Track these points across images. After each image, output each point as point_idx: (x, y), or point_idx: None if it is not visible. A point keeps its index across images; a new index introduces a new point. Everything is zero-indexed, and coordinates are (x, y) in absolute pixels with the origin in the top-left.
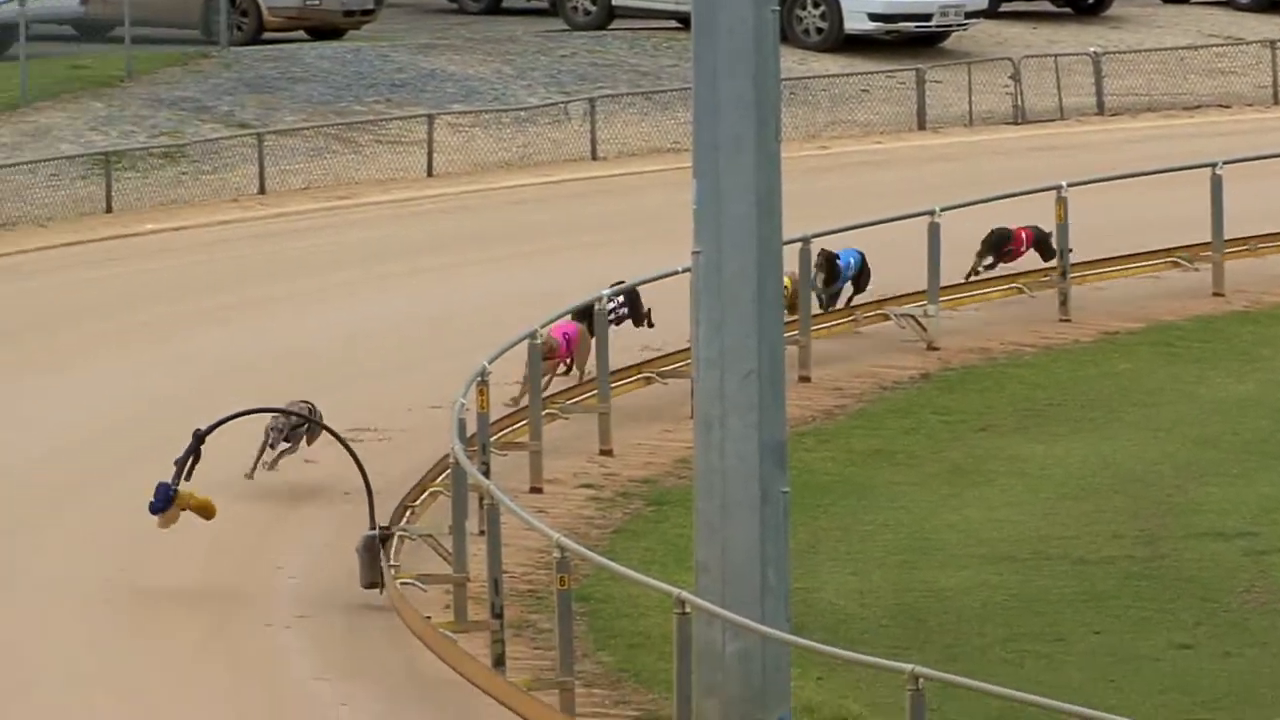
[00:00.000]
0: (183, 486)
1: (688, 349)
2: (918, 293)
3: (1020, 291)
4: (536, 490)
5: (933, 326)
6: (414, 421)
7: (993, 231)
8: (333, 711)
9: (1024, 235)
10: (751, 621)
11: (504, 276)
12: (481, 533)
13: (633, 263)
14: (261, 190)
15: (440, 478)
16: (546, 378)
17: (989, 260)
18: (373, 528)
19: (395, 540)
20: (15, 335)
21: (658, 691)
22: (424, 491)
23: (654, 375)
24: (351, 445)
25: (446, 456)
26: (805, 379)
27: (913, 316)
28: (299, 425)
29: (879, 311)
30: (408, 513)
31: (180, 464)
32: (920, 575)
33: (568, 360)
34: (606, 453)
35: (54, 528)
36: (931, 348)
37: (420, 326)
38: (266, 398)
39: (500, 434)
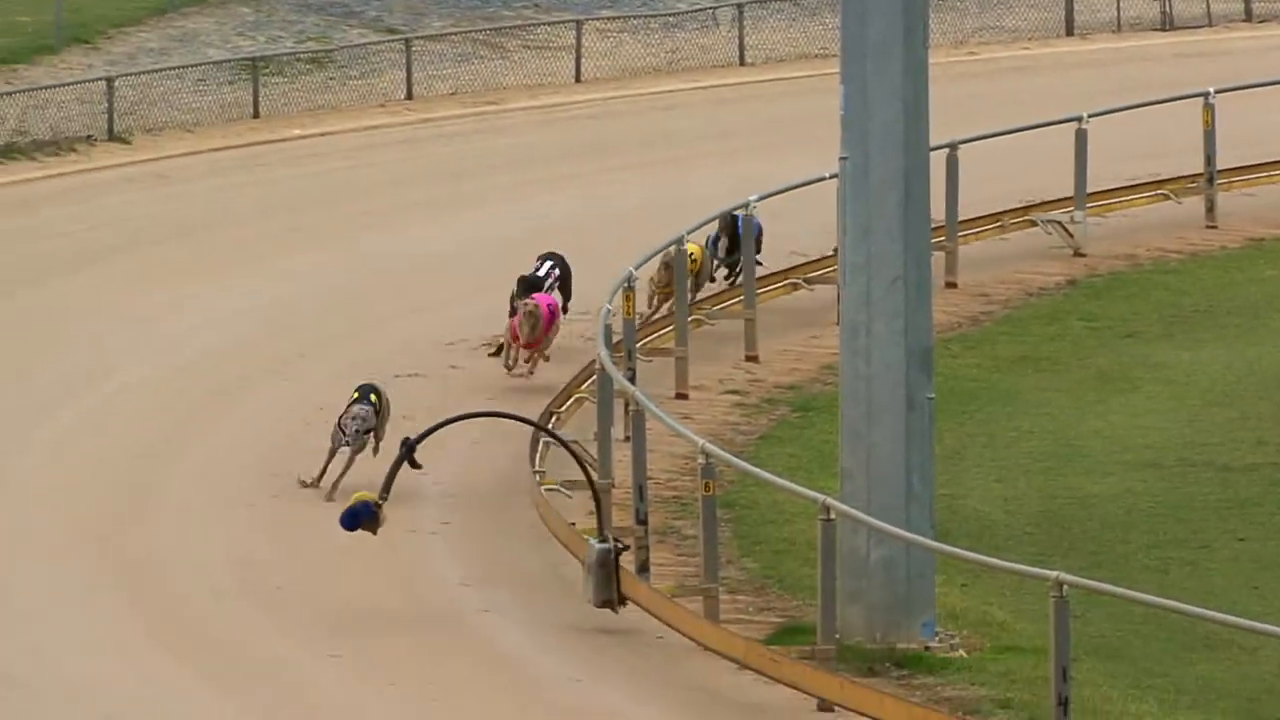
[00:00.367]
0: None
1: (834, 255)
2: (1064, 199)
3: (1167, 198)
4: (682, 396)
5: (1079, 233)
6: (561, 327)
7: None
8: (476, 617)
9: None
10: (896, 528)
11: (651, 182)
12: (626, 439)
13: (779, 168)
14: (409, 96)
15: (586, 384)
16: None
17: None
18: (603, 539)
19: (542, 446)
20: (161, 241)
21: (801, 598)
22: (570, 397)
23: (800, 281)
24: (571, 442)
25: (592, 362)
26: (951, 285)
27: (1059, 222)
28: (369, 430)
29: (1026, 218)
30: (553, 418)
31: (390, 475)
32: (1065, 482)
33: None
34: (752, 359)
35: (198, 435)
36: (1078, 254)
37: (565, 233)
38: (414, 305)
39: (646, 340)
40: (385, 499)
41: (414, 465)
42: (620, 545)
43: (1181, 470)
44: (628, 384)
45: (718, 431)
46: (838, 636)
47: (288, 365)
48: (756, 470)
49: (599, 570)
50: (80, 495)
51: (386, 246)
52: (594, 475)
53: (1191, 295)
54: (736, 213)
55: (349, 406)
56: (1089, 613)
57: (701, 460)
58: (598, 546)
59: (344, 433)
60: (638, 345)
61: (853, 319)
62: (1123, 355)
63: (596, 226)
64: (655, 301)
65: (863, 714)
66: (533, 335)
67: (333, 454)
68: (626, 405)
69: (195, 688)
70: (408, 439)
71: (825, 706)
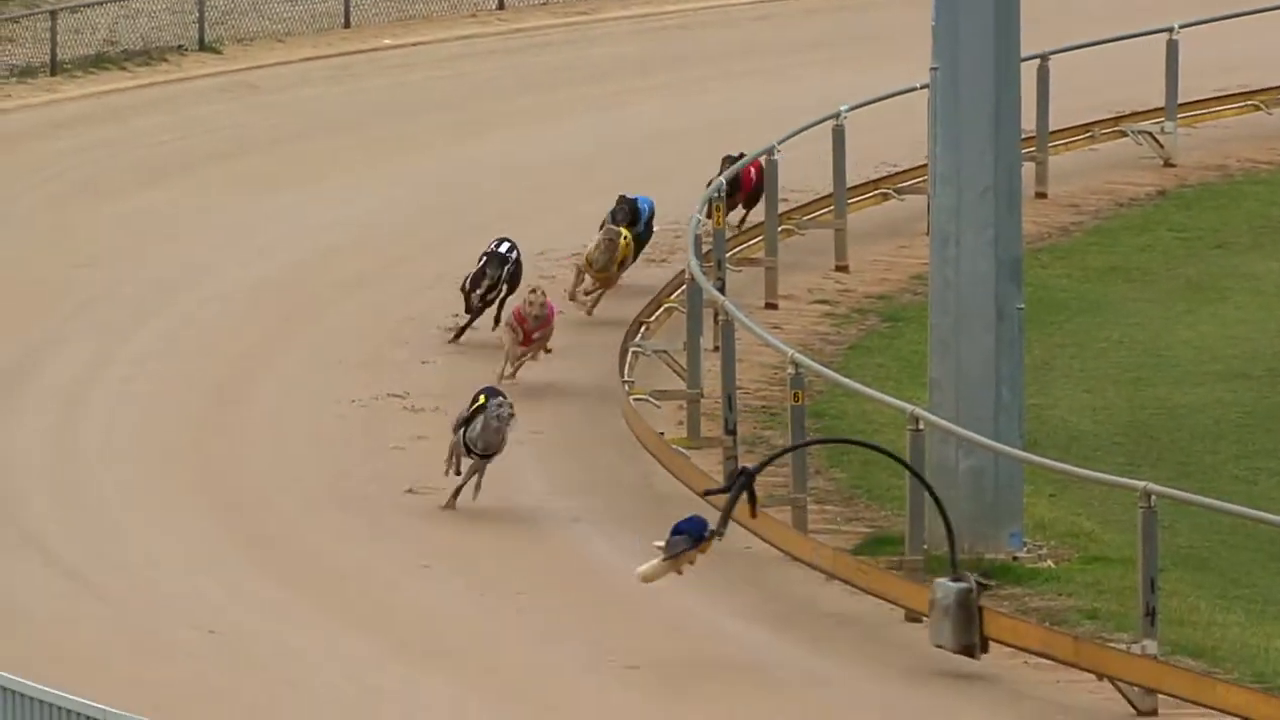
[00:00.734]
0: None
1: (925, 165)
2: (1155, 109)
3: (1258, 109)
4: (771, 306)
5: (1170, 143)
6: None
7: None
8: (566, 527)
9: (753, 171)
10: (984, 438)
11: (742, 92)
12: (716, 348)
13: (869, 79)
14: (500, 6)
15: (676, 294)
16: (524, 350)
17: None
18: (958, 578)
19: (631, 357)
20: (252, 151)
21: (890, 508)
22: (659, 307)
23: (891, 191)
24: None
25: (682, 272)
26: (1042, 195)
27: (1150, 133)
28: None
29: (1116, 128)
30: (643, 328)
31: (728, 507)
32: (1154, 392)
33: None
34: (842, 268)
35: (287, 344)
36: (1168, 164)
37: (657, 143)
38: (501, 215)
39: (736, 250)
40: (723, 534)
41: (752, 498)
42: (982, 584)
43: (1271, 380)
44: (717, 294)
45: (807, 341)
46: (926, 547)
47: (376, 275)
48: (845, 380)
49: (959, 612)
50: (170, 406)
51: (476, 157)
52: (950, 517)
53: None
54: (635, 195)
55: (481, 408)
56: (1177, 523)
57: (791, 370)
58: (954, 586)
59: (481, 439)
60: (729, 254)
61: (943, 229)
62: (1212, 265)
63: (687, 136)
64: (586, 280)
65: None
66: (536, 328)
67: (457, 453)
68: (716, 315)
69: (288, 600)
70: (746, 468)
71: (913, 617)
